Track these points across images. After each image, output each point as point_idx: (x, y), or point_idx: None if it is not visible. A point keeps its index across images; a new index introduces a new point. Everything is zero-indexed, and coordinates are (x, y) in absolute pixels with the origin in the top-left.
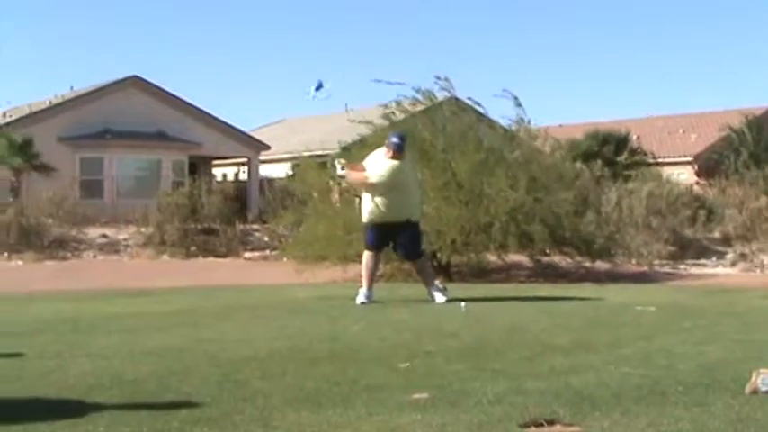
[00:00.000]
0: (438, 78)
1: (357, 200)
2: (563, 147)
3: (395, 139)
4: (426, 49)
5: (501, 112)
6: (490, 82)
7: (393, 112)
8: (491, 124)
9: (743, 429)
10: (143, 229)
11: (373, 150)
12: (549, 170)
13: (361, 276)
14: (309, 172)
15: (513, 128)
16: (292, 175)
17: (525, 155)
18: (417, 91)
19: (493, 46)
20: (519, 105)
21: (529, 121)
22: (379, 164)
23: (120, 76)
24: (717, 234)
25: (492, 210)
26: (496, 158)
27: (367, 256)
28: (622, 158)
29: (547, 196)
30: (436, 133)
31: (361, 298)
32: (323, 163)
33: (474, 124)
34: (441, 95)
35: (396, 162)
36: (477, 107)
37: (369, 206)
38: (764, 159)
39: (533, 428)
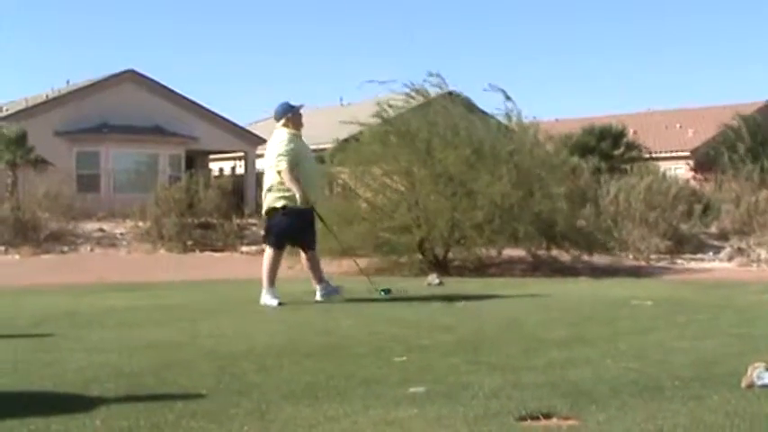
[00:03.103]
0: (430, 75)
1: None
2: (555, 140)
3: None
4: (423, 43)
5: (495, 107)
6: (487, 77)
7: (385, 109)
8: (484, 118)
9: (739, 423)
10: (140, 224)
11: (367, 145)
12: (544, 163)
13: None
14: None
15: (504, 121)
16: None
17: (516, 147)
18: (410, 88)
19: (490, 41)
20: (508, 98)
21: (519, 114)
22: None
23: (117, 71)
24: (714, 229)
25: (479, 204)
26: (486, 151)
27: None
28: (618, 153)
29: (540, 190)
30: (430, 129)
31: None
32: (319, 157)
33: (465, 117)
34: (433, 91)
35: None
36: (470, 101)
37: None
38: (761, 154)
39: (530, 422)
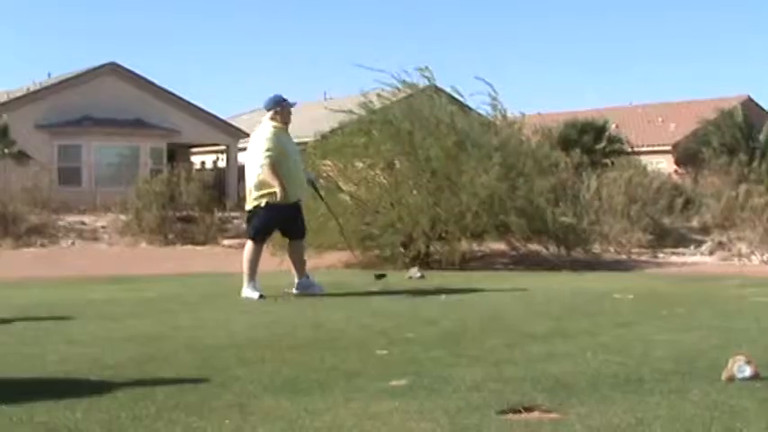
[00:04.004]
0: (420, 69)
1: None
2: (539, 131)
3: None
4: (406, 37)
5: (479, 101)
6: (470, 71)
7: (371, 101)
8: (469, 112)
9: (719, 416)
10: (121, 217)
11: (350, 137)
12: (527, 157)
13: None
14: None
15: (489, 114)
16: None
17: (500, 140)
18: (401, 81)
19: (473, 34)
20: (493, 91)
21: (504, 111)
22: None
23: (98, 63)
24: (695, 223)
25: (464, 197)
26: (470, 143)
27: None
28: (600, 146)
29: (524, 184)
30: (413, 120)
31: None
32: (302, 151)
33: (448, 107)
34: (421, 83)
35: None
36: (455, 95)
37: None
38: (740, 149)
39: (511, 415)
